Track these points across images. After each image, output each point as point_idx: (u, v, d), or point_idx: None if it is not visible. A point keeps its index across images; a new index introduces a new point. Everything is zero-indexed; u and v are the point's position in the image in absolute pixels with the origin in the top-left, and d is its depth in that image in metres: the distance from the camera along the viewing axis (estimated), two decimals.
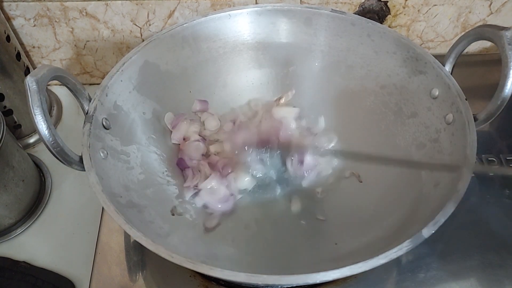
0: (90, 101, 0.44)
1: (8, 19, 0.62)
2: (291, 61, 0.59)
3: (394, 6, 0.65)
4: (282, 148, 0.55)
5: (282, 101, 0.59)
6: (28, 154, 0.59)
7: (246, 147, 0.53)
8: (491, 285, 0.46)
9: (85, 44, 0.67)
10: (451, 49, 0.47)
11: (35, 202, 0.57)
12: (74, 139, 0.44)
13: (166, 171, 0.52)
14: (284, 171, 0.54)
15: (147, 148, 0.51)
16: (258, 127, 0.56)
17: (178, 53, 0.54)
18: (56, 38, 0.66)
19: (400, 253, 0.34)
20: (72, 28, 0.65)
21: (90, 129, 0.42)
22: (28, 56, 0.69)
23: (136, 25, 0.65)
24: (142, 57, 0.51)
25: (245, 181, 0.52)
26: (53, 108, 0.68)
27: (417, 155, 0.48)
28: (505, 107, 0.42)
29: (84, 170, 0.40)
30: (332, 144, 0.56)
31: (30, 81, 0.36)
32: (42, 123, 0.37)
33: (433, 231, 0.35)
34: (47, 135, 0.38)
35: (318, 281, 0.33)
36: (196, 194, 0.51)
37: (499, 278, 0.46)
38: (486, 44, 0.71)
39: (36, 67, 0.39)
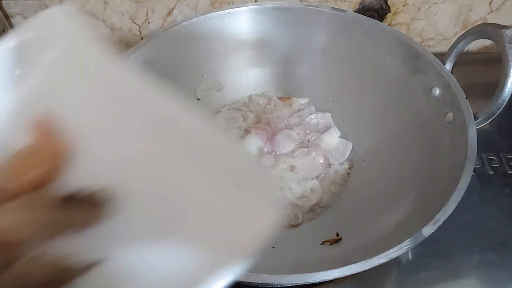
0: None
1: (7, 17, 0.62)
2: (291, 59, 0.59)
3: (394, 4, 0.65)
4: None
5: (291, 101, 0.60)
6: None
7: None
8: (491, 284, 0.46)
9: None
10: (451, 48, 0.47)
11: None
12: None
13: None
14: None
15: None
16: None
17: (177, 52, 0.54)
18: None
19: (400, 252, 0.34)
20: None
21: None
22: None
23: (135, 23, 0.65)
24: (141, 56, 0.50)
25: None
26: None
27: (417, 153, 0.48)
28: (506, 106, 0.42)
29: None
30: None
31: None
32: None
33: (433, 230, 0.35)
34: None
35: (318, 280, 0.33)
36: None
37: (500, 277, 0.46)
38: (486, 42, 0.71)
39: None
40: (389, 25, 0.67)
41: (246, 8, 0.55)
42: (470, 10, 0.66)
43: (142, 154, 0.24)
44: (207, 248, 0.22)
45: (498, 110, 0.42)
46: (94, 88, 0.25)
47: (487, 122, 0.43)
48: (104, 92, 0.25)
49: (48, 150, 0.23)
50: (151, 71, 0.53)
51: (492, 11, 0.66)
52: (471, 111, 0.43)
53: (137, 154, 0.24)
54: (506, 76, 0.41)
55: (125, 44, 0.67)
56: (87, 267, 0.21)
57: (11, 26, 0.63)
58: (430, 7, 0.65)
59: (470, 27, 0.45)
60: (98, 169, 0.24)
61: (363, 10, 0.65)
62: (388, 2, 0.64)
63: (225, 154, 0.24)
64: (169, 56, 0.54)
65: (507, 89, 0.41)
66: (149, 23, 0.65)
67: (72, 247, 0.21)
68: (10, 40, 0.24)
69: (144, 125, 0.24)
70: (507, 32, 0.40)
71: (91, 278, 0.21)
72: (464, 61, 0.49)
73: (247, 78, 0.60)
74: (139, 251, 0.22)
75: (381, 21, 0.66)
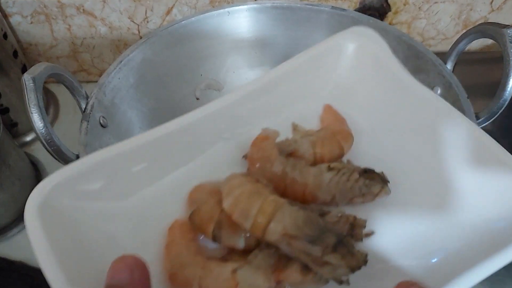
0: (87, 99, 0.44)
1: (5, 16, 0.62)
2: None
3: (395, 3, 0.64)
4: None
5: None
6: (25, 152, 0.58)
7: None
8: (493, 285, 0.46)
9: (82, 41, 0.66)
10: (453, 47, 0.47)
11: None
12: (71, 138, 0.44)
13: None
14: None
15: None
16: None
17: (176, 51, 0.54)
18: (53, 36, 0.66)
19: None
20: (69, 25, 0.64)
21: (87, 127, 0.42)
22: (25, 53, 0.68)
23: (133, 22, 0.64)
24: (139, 55, 0.50)
25: None
26: (50, 106, 0.68)
27: None
28: (507, 105, 0.42)
29: None
30: None
31: (27, 79, 0.36)
32: (39, 122, 0.37)
33: None
34: (44, 134, 0.37)
35: None
36: None
37: (501, 278, 0.46)
38: (488, 41, 0.71)
39: (33, 65, 0.38)
40: (390, 24, 0.66)
41: (245, 7, 0.55)
42: (471, 9, 0.66)
43: (412, 146, 0.28)
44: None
45: (500, 109, 0.42)
46: (380, 87, 0.30)
47: (488, 122, 0.43)
48: (388, 91, 0.29)
49: (340, 134, 0.29)
50: (150, 70, 0.54)
51: (493, 10, 0.66)
52: (472, 110, 0.42)
53: (406, 145, 0.28)
54: (507, 76, 0.41)
55: (124, 43, 0.67)
56: (366, 235, 0.25)
57: (9, 25, 0.63)
58: (431, 6, 0.65)
59: (471, 27, 0.45)
60: (375, 154, 0.29)
61: (364, 9, 0.65)
62: (388, 1, 0.64)
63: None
64: (168, 55, 0.53)
65: (508, 89, 0.41)
66: (148, 22, 0.64)
67: (359, 213, 0.25)
68: (348, 44, 0.32)
69: (417, 122, 0.28)
70: (508, 31, 0.40)
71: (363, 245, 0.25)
72: (466, 61, 0.49)
73: (246, 77, 0.60)
74: (402, 228, 0.26)
75: (381, 20, 0.65)
